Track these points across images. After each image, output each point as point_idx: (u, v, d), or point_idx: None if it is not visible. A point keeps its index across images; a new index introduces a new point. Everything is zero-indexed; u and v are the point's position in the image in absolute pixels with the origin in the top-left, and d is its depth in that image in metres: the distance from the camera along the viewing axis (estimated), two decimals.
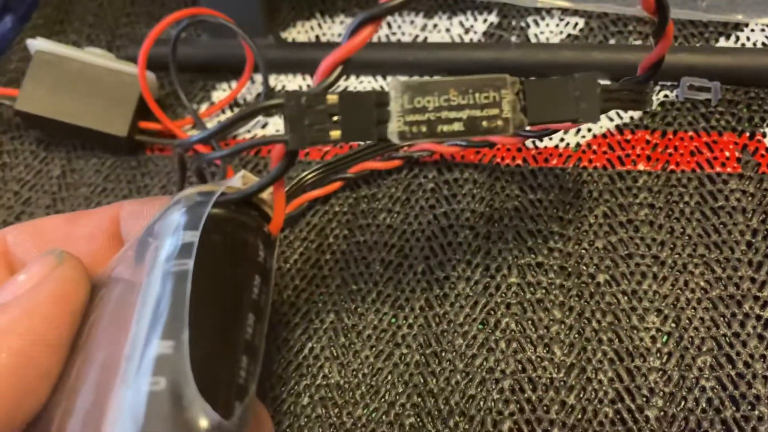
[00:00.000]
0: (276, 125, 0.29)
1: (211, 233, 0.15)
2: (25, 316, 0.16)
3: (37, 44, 0.27)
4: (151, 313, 0.14)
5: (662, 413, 0.21)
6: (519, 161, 0.26)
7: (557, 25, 0.29)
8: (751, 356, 0.22)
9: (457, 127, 0.16)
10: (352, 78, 0.29)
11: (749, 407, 0.21)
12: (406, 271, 0.24)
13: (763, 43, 0.27)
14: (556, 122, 0.18)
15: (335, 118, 0.15)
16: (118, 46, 0.32)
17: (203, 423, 0.13)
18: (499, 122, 0.17)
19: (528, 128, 0.18)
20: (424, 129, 0.16)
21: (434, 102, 0.16)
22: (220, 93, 0.30)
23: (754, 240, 0.23)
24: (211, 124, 0.29)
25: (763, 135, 0.25)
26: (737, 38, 0.28)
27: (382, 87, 0.29)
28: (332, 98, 0.15)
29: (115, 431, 0.13)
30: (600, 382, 0.22)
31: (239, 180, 0.16)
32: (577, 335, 0.23)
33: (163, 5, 0.33)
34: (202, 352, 0.13)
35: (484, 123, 0.17)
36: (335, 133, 0.15)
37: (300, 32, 0.31)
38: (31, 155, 0.29)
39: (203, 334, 0.14)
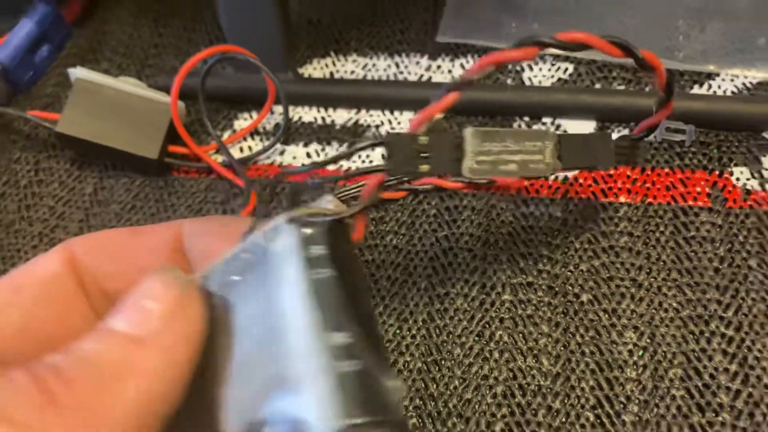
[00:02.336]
0: (291, 153, 0.31)
1: (334, 247, 0.17)
2: (159, 355, 0.16)
3: (77, 73, 0.30)
4: (311, 314, 0.16)
5: (637, 418, 0.24)
6: (513, 191, 0.29)
7: (549, 69, 0.32)
8: (716, 369, 0.24)
9: (511, 167, 0.21)
10: (363, 112, 0.32)
11: (713, 414, 0.23)
12: (410, 288, 0.27)
13: (733, 92, 0.30)
14: (580, 168, 0.22)
15: (424, 154, 0.19)
16: (147, 75, 0.34)
17: (393, 386, 0.15)
18: (542, 165, 0.21)
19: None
20: (487, 167, 0.20)
21: (497, 147, 0.20)
22: (242, 122, 0.32)
23: (720, 267, 0.26)
24: (234, 150, 0.32)
25: (731, 173, 0.28)
26: (710, 86, 0.31)
27: (390, 120, 0.32)
28: (424, 139, 0.19)
29: (326, 407, 0.15)
30: (582, 389, 0.24)
31: (331, 203, 0.19)
32: (562, 348, 0.25)
33: (190, 40, 0.36)
34: (368, 338, 0.16)
35: (531, 165, 0.21)
36: (424, 167, 0.19)
37: (316, 69, 0.34)
38: (66, 173, 0.32)
39: (364, 325, 0.16)
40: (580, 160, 0.23)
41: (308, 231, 0.17)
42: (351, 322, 0.16)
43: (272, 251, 0.17)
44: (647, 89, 0.31)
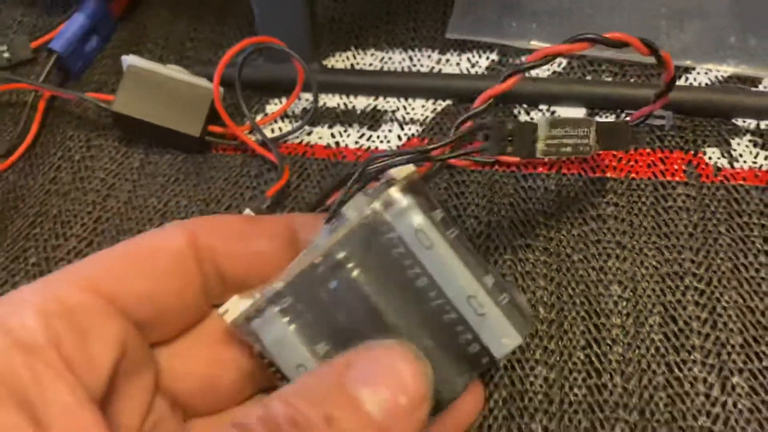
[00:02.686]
0: (318, 133, 0.35)
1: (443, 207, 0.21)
2: None
3: (130, 60, 0.34)
4: (464, 266, 0.19)
5: (621, 357, 0.27)
6: (513, 168, 0.33)
7: None
8: (689, 317, 0.28)
9: (568, 149, 0.25)
10: (380, 99, 0.36)
11: (687, 353, 0.27)
12: None
13: (706, 83, 0.34)
14: (608, 150, 0.27)
15: (509, 138, 0.23)
16: (185, 65, 0.38)
17: (524, 299, 0.20)
18: (587, 147, 0.26)
19: None
20: (553, 149, 0.24)
21: (560, 132, 0.25)
22: (273, 106, 0.36)
23: (694, 231, 0.30)
24: (265, 131, 0.35)
25: (704, 153, 0.32)
26: (687, 78, 0.35)
27: (404, 107, 0.36)
28: (510, 126, 0.23)
29: (504, 334, 0.19)
30: (574, 333, 0.28)
31: (409, 167, 0.21)
32: (556, 299, 0.29)
33: (222, 34, 0.40)
34: (496, 272, 0.20)
35: (581, 147, 0.25)
36: (510, 149, 0.23)
37: (338, 61, 0.38)
38: (114, 150, 0.35)
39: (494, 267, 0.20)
40: (610, 142, 0.27)
41: (423, 198, 0.19)
42: (488, 264, 0.20)
43: (388, 224, 0.19)
44: (631, 81, 0.35)
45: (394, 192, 0.19)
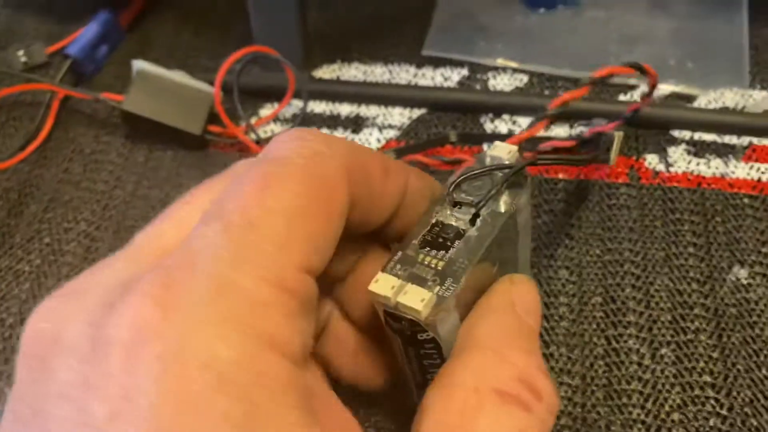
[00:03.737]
0: None
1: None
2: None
3: (139, 64, 0.38)
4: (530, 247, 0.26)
5: (567, 331, 0.31)
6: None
7: (509, 79, 0.41)
8: (627, 298, 0.32)
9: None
10: (363, 106, 0.40)
11: (624, 328, 0.31)
12: None
13: None
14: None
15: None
16: (186, 72, 0.42)
17: None
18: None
19: None
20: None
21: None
22: (266, 110, 0.40)
23: (633, 226, 0.35)
24: (260, 132, 0.40)
25: (644, 159, 0.37)
26: (632, 95, 0.40)
27: (384, 114, 0.40)
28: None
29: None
30: None
31: (510, 149, 0.24)
32: None
33: (222, 44, 0.44)
34: None
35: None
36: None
37: (326, 72, 0.42)
38: (121, 146, 0.39)
39: None
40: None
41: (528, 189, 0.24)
42: None
43: (515, 220, 0.23)
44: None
45: (524, 194, 0.23)
